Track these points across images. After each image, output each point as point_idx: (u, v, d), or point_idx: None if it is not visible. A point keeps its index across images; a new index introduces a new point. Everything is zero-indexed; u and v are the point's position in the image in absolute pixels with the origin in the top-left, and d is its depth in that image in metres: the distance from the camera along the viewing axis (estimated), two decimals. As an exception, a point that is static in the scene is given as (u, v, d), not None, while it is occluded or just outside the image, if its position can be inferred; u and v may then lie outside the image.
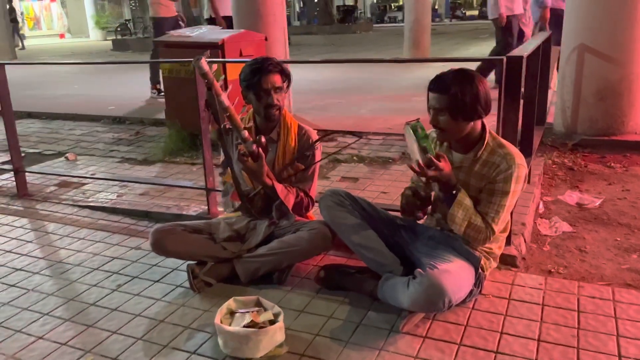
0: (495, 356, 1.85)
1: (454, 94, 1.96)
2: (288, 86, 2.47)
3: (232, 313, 2.03)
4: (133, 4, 31.02)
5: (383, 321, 2.07)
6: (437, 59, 7.71)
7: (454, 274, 1.98)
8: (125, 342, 2.03)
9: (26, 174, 3.89)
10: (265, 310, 2.02)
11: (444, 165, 1.98)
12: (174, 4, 7.13)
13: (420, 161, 1.97)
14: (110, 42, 20.84)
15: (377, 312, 2.13)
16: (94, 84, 9.80)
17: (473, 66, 2.12)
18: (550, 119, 4.82)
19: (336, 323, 2.08)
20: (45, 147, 5.31)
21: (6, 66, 3.64)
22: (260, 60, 2.41)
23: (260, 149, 2.29)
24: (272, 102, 2.39)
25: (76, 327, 2.14)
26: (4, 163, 4.60)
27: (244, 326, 1.90)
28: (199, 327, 2.10)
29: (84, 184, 3.99)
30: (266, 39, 4.99)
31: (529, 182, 3.27)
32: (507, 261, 2.46)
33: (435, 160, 1.96)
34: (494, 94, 2.09)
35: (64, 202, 3.62)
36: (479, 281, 2.13)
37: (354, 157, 4.27)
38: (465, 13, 36.13)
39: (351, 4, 32.86)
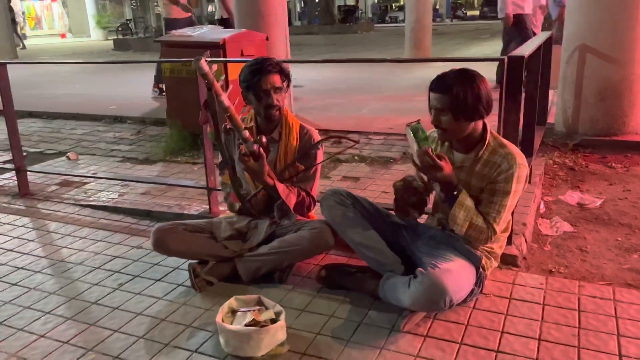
0: (496, 355, 1.86)
1: (456, 94, 1.96)
2: (288, 86, 2.47)
3: (233, 312, 2.03)
4: (134, 4, 31.04)
5: (384, 320, 2.07)
6: (438, 58, 7.72)
7: (455, 274, 1.98)
8: (127, 340, 2.03)
9: (28, 173, 3.90)
10: (267, 309, 2.02)
11: (445, 165, 1.99)
12: (183, 4, 7.15)
13: (421, 162, 1.98)
14: (111, 42, 20.83)
15: (378, 311, 2.13)
16: (95, 83, 9.81)
17: (474, 66, 2.11)
18: (551, 119, 4.82)
19: (337, 322, 2.08)
20: (47, 147, 5.32)
21: (7, 66, 3.66)
22: (260, 61, 2.41)
23: (261, 149, 2.29)
24: (272, 102, 2.39)
25: (78, 325, 2.15)
26: (5, 162, 4.61)
27: (246, 325, 1.90)
28: (201, 325, 2.10)
29: (85, 183, 3.99)
30: (267, 39, 4.99)
31: (530, 182, 3.28)
32: (508, 261, 2.46)
33: (436, 159, 1.96)
34: (495, 94, 2.09)
35: (65, 201, 3.63)
36: (480, 280, 2.14)
37: (355, 157, 4.28)
38: (466, 13, 36.14)
39: (352, 4, 32.85)
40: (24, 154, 4.08)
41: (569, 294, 2.22)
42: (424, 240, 2.24)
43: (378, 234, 2.26)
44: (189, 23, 6.97)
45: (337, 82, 8.51)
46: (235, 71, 4.13)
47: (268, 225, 2.48)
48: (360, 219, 2.28)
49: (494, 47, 14.28)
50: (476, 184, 2.10)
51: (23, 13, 28.37)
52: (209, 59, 2.31)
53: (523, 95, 2.98)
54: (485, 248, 2.17)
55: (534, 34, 6.57)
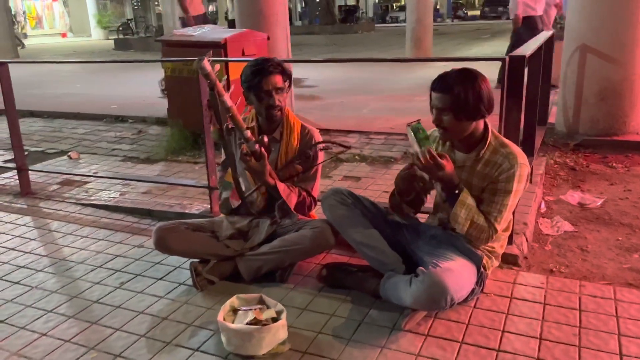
0: (497, 354, 1.86)
1: (457, 94, 1.96)
2: (289, 86, 2.48)
3: (235, 310, 2.03)
4: (135, 4, 31.06)
5: (385, 319, 2.08)
6: (439, 58, 7.74)
7: (456, 273, 1.99)
8: (129, 339, 2.04)
9: (29, 172, 3.90)
10: (268, 307, 2.03)
11: (446, 165, 1.99)
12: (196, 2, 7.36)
13: (422, 161, 1.98)
14: (112, 42, 20.85)
15: (379, 310, 2.14)
16: (95, 83, 9.82)
17: (475, 66, 2.12)
18: (552, 119, 4.82)
19: (338, 321, 2.09)
20: (48, 146, 5.33)
21: (8, 65, 3.66)
22: (261, 61, 2.41)
23: (262, 149, 2.30)
24: (274, 103, 2.39)
25: (80, 324, 2.15)
26: (7, 161, 4.61)
27: (247, 323, 1.90)
28: (202, 324, 2.11)
29: (86, 183, 4.00)
30: (268, 39, 5.00)
31: (531, 181, 3.28)
32: (508, 260, 2.47)
33: (438, 159, 1.96)
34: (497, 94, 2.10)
35: (67, 200, 3.63)
36: (481, 280, 2.14)
37: (356, 157, 4.29)
38: (467, 13, 36.18)
39: (353, 3, 32.85)
40: (26, 153, 4.09)
41: (570, 293, 2.23)
42: (425, 240, 2.24)
43: (379, 233, 2.26)
44: (205, 19, 7.21)
45: (337, 82, 8.52)
46: (236, 71, 4.13)
47: (269, 225, 2.49)
48: (362, 218, 2.28)
49: (495, 47, 14.29)
50: (477, 184, 2.11)
51: (24, 12, 28.41)
52: (211, 59, 2.31)
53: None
54: (486, 247, 2.17)
55: None
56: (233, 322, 1.95)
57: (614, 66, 4.30)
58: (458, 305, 2.10)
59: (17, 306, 2.31)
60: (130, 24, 26.45)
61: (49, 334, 2.09)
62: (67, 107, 6.92)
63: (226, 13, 26.83)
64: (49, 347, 2.01)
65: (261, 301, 2.08)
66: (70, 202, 3.58)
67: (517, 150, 2.10)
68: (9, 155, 4.58)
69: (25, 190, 3.82)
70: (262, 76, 2.35)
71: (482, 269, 2.13)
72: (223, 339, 1.94)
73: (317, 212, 2.60)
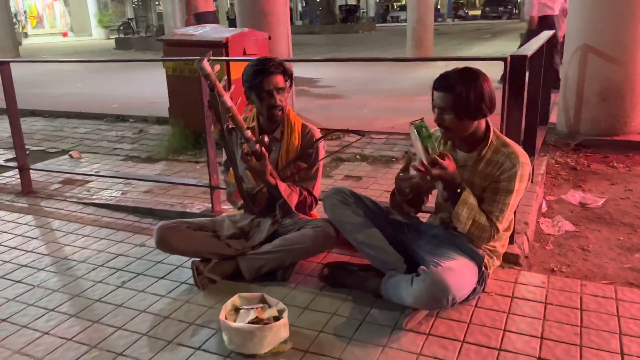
0: (498, 353, 1.86)
1: (459, 93, 1.97)
2: (290, 86, 2.48)
3: (236, 309, 2.04)
4: (136, 3, 31.06)
5: (386, 318, 2.08)
6: (440, 58, 7.74)
7: (457, 272, 1.99)
8: (131, 337, 2.04)
9: (31, 171, 3.91)
10: (270, 306, 2.03)
11: (448, 164, 1.99)
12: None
13: (424, 160, 1.98)
14: (113, 41, 20.86)
15: (381, 309, 2.14)
16: (96, 82, 9.82)
17: (476, 66, 2.12)
18: (553, 119, 4.82)
19: (340, 320, 2.09)
20: (49, 145, 5.33)
21: (10, 64, 3.67)
22: (262, 61, 2.41)
23: (263, 149, 2.30)
24: (275, 102, 2.39)
25: (81, 322, 2.16)
26: (8, 160, 4.62)
27: (249, 322, 1.91)
28: (204, 323, 2.11)
29: (88, 182, 4.00)
30: (269, 38, 5.00)
31: (532, 181, 3.27)
32: (510, 260, 2.47)
33: (439, 159, 1.97)
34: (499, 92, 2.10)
35: (68, 199, 3.64)
36: (482, 279, 2.14)
37: (357, 156, 4.29)
38: (467, 13, 36.20)
39: (353, 3, 32.85)
40: (27, 152, 4.09)
41: (571, 292, 2.23)
42: (427, 239, 2.25)
43: (380, 232, 2.26)
44: (215, 15, 7.46)
45: (338, 82, 8.52)
46: (237, 70, 4.13)
47: (270, 224, 2.49)
48: (363, 218, 2.29)
49: (496, 47, 14.30)
50: (479, 183, 2.11)
51: (25, 12, 28.42)
52: (211, 59, 2.32)
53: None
54: (488, 247, 2.17)
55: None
56: (235, 321, 1.96)
57: (615, 66, 4.30)
58: (459, 305, 2.10)
59: (19, 305, 2.32)
60: (131, 24, 26.44)
61: (50, 333, 2.10)
62: (68, 107, 6.93)
63: (227, 12, 26.84)
64: (51, 346, 2.01)
65: (263, 300, 2.08)
66: (71, 201, 3.59)
67: (518, 149, 2.10)
68: (11, 155, 4.58)
69: (27, 189, 3.83)
70: (263, 76, 2.36)
71: (483, 268, 2.14)
72: (225, 337, 1.94)
73: (319, 211, 2.60)
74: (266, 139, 2.31)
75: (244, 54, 4.63)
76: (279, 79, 2.39)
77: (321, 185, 2.62)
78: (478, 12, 35.66)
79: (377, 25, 27.19)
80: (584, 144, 4.43)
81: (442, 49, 13.78)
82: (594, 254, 2.66)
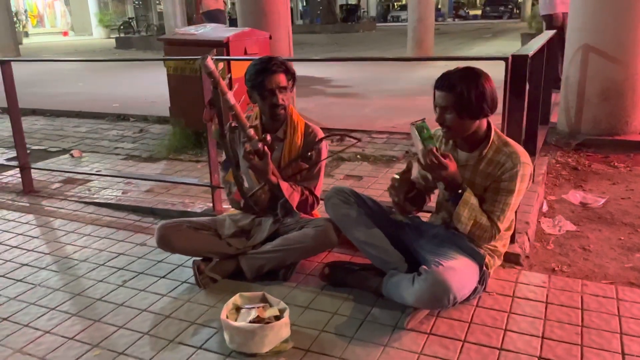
0: (499, 353, 1.87)
1: (460, 92, 1.97)
2: (293, 85, 2.48)
3: (238, 309, 2.04)
4: (136, 2, 31.04)
5: (387, 318, 2.08)
6: (441, 57, 7.73)
7: (458, 271, 1.99)
8: (132, 337, 2.04)
9: (32, 170, 3.91)
10: (271, 306, 2.03)
11: (449, 164, 1.99)
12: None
13: (425, 161, 1.99)
14: (113, 40, 20.84)
15: (382, 308, 2.14)
16: (97, 81, 9.82)
17: (477, 65, 2.12)
18: (554, 118, 4.82)
19: (341, 319, 2.09)
20: (50, 144, 5.33)
21: (11, 63, 3.67)
22: (265, 60, 2.41)
23: (265, 147, 2.30)
24: (277, 102, 2.39)
25: (83, 321, 2.16)
26: (9, 159, 4.62)
27: (250, 322, 1.91)
28: (205, 322, 2.11)
29: (89, 181, 4.00)
30: (270, 38, 5.00)
31: (533, 181, 3.27)
32: (511, 259, 2.47)
33: (441, 159, 1.97)
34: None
35: (69, 198, 3.64)
36: (483, 279, 2.14)
37: (358, 156, 4.29)
38: (468, 13, 36.20)
39: (354, 2, 32.85)
40: (28, 151, 4.10)
41: (572, 292, 2.23)
42: (428, 238, 2.25)
43: (382, 231, 2.26)
44: (223, 14, 7.61)
45: (339, 81, 8.52)
46: (238, 70, 4.14)
47: (272, 223, 2.49)
48: (364, 217, 2.29)
49: (496, 47, 14.29)
50: (480, 183, 2.11)
51: (25, 11, 28.41)
52: (214, 57, 2.32)
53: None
54: (489, 246, 2.18)
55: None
56: (236, 320, 1.96)
57: (616, 66, 4.30)
58: (460, 304, 2.10)
59: (20, 304, 2.32)
60: (132, 23, 26.44)
61: (52, 332, 2.10)
62: (69, 106, 6.94)
63: (229, 12, 26.82)
64: (52, 345, 2.01)
65: (264, 299, 2.08)
66: (72, 200, 3.59)
67: (520, 149, 2.10)
68: (12, 154, 4.59)
69: (28, 188, 3.83)
70: (265, 75, 2.36)
71: (484, 267, 2.14)
72: (226, 337, 1.94)
73: (320, 210, 2.60)
74: (269, 137, 2.31)
75: (245, 53, 4.63)
76: (282, 78, 2.39)
77: (322, 185, 2.62)
78: (479, 12, 35.66)
79: (377, 24, 27.19)
80: (585, 144, 4.43)
81: (442, 49, 13.77)
82: (595, 254, 2.66)
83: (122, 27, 24.96)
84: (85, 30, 29.08)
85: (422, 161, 2.02)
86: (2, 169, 4.40)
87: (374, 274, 2.26)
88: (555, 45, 4.74)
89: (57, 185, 3.95)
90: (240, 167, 2.50)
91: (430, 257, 2.07)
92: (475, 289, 2.12)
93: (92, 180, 4.01)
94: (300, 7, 33.66)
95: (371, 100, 6.72)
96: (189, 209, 3.24)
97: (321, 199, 2.54)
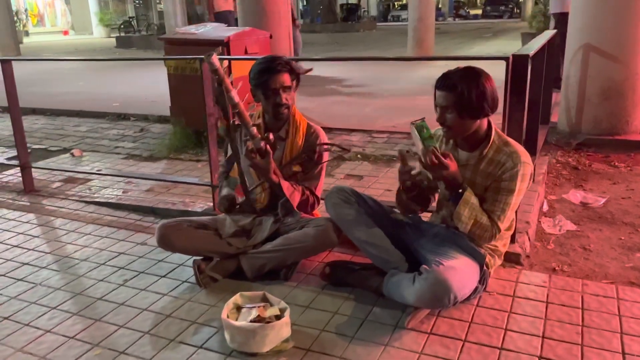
0: (499, 352, 1.87)
1: (461, 92, 1.97)
2: (297, 85, 2.48)
3: (238, 308, 2.04)
4: (137, 1, 31.03)
5: (388, 317, 2.08)
6: (441, 57, 7.73)
7: (459, 271, 1.99)
8: (133, 336, 2.04)
9: (32, 169, 3.91)
10: (272, 305, 2.03)
11: (450, 164, 1.99)
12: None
13: (425, 160, 1.99)
14: (114, 40, 20.84)
15: (382, 308, 2.14)
16: (98, 80, 9.82)
17: (478, 65, 2.13)
18: (554, 118, 4.82)
19: (342, 319, 2.09)
20: (51, 143, 5.34)
21: (11, 62, 3.67)
22: (269, 60, 2.41)
23: (268, 146, 2.30)
24: (281, 101, 2.40)
25: (83, 321, 2.16)
26: (10, 159, 4.62)
27: (251, 321, 1.91)
28: (206, 321, 2.11)
29: (89, 180, 4.00)
30: (271, 37, 5.00)
31: (533, 180, 3.27)
32: (511, 259, 2.47)
33: (441, 158, 1.97)
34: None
35: (70, 197, 3.64)
36: (483, 278, 2.15)
37: (358, 155, 4.29)
38: (468, 12, 36.18)
39: (354, 2, 32.83)
40: (29, 150, 4.10)
41: (573, 292, 2.23)
42: (428, 238, 2.25)
43: (382, 231, 2.26)
44: (233, 15, 7.77)
45: (339, 81, 8.51)
46: (239, 69, 4.13)
47: (272, 223, 2.49)
48: (365, 217, 2.29)
49: (497, 46, 14.28)
50: (481, 182, 2.11)
51: (26, 10, 28.40)
52: (219, 55, 2.32)
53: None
54: (489, 246, 2.18)
55: None
56: (236, 320, 1.96)
57: (617, 66, 4.30)
58: (461, 304, 2.10)
59: (21, 303, 2.32)
60: (132, 22, 26.40)
61: (53, 331, 2.10)
62: (69, 105, 6.94)
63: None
64: (53, 344, 2.02)
65: (264, 299, 2.08)
66: (73, 200, 3.59)
67: (520, 149, 2.10)
68: (12, 153, 4.59)
69: (29, 187, 3.83)
70: (269, 74, 2.36)
71: (484, 267, 2.14)
72: (226, 336, 1.94)
73: (320, 210, 2.60)
74: (271, 136, 2.32)
75: (246, 52, 4.64)
76: (285, 78, 2.39)
77: (323, 184, 2.62)
78: (479, 11, 35.65)
79: (378, 24, 27.17)
80: (586, 144, 4.43)
81: (443, 48, 13.77)
82: (595, 254, 2.66)
83: (122, 26, 24.94)
84: (85, 29, 29.07)
85: (422, 160, 2.02)
86: (2, 168, 4.40)
87: (374, 273, 2.26)
88: (556, 45, 4.74)
89: (57, 184, 3.96)
90: (242, 165, 2.50)
91: (430, 256, 2.07)
92: (476, 288, 2.12)
93: (93, 180, 4.01)
94: (300, 7, 33.64)
95: (372, 100, 6.72)
96: (189, 209, 3.24)
97: (322, 199, 2.54)
